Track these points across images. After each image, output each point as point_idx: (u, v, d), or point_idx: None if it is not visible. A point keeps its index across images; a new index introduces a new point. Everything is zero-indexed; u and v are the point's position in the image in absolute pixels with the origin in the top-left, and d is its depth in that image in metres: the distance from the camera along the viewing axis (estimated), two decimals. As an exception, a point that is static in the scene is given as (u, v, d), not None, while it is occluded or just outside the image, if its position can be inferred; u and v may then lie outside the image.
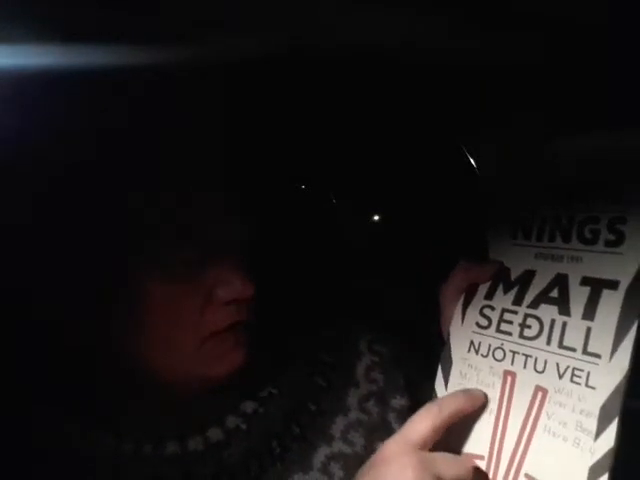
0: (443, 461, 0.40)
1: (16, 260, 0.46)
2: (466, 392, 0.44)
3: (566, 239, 0.42)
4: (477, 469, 0.42)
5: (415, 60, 0.51)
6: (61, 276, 0.46)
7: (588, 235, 0.41)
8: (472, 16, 0.41)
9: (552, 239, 0.43)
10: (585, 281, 0.40)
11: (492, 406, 0.43)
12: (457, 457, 0.42)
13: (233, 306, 0.47)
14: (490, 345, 0.44)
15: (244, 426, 0.51)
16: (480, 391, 0.44)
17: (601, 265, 0.40)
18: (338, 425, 0.53)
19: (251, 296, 0.47)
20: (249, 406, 0.52)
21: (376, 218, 0.94)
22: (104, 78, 0.41)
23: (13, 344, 0.48)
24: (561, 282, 0.42)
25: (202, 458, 0.49)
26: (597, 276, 0.40)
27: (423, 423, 0.41)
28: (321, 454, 0.51)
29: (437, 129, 0.76)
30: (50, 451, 0.47)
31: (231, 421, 0.51)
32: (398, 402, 0.56)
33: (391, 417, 0.55)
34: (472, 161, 0.73)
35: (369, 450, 0.52)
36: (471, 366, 0.45)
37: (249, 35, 0.43)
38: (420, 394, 0.58)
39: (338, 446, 0.52)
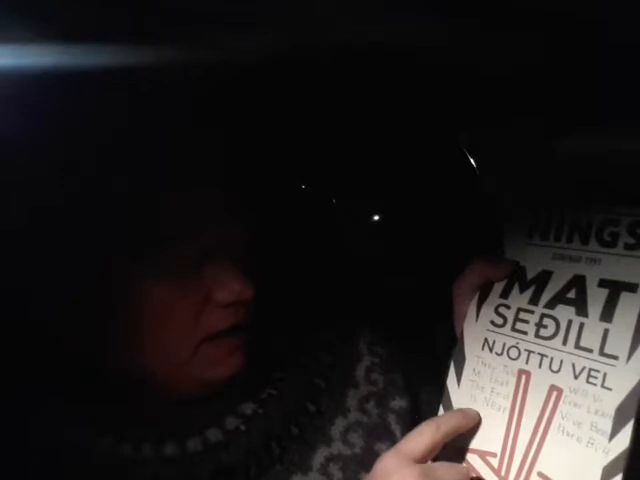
0: (443, 471, 0.41)
1: (14, 262, 0.45)
2: (462, 412, 0.45)
3: (584, 241, 0.42)
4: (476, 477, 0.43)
5: (415, 60, 0.51)
6: (60, 277, 0.45)
7: (607, 237, 0.41)
8: (472, 15, 0.41)
9: (570, 240, 0.43)
10: (603, 283, 0.41)
11: (505, 404, 0.43)
12: (456, 465, 0.43)
13: (231, 308, 0.47)
14: (505, 344, 0.45)
15: (243, 427, 0.51)
16: (474, 411, 0.44)
17: (620, 268, 0.40)
18: (337, 426, 0.53)
19: (250, 299, 0.47)
20: (248, 407, 0.52)
21: (376, 218, 0.94)
22: (104, 78, 0.41)
23: (11, 345, 0.48)
24: (578, 283, 0.42)
25: (201, 459, 0.49)
26: (616, 279, 0.40)
27: (422, 439, 0.42)
28: (320, 455, 0.51)
29: (437, 129, 0.76)
30: (49, 452, 0.47)
31: (230, 422, 0.51)
32: (398, 403, 0.56)
33: (391, 418, 0.55)
34: (472, 161, 0.73)
35: (368, 451, 0.52)
36: (485, 364, 0.45)
37: (249, 35, 0.43)
38: (420, 396, 0.57)
39: (337, 447, 0.52)
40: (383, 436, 0.53)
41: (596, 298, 0.40)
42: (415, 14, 0.41)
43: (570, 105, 0.49)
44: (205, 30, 0.42)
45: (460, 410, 0.45)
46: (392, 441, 0.53)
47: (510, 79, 0.52)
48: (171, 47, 0.42)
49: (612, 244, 0.41)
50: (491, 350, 0.45)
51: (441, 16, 0.41)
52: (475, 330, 0.47)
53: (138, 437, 0.49)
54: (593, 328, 0.40)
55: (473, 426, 0.44)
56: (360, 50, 0.47)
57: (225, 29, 0.42)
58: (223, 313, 0.47)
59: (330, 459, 0.51)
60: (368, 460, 0.51)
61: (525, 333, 0.44)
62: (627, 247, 0.40)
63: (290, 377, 0.55)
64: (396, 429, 0.54)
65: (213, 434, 0.50)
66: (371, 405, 0.55)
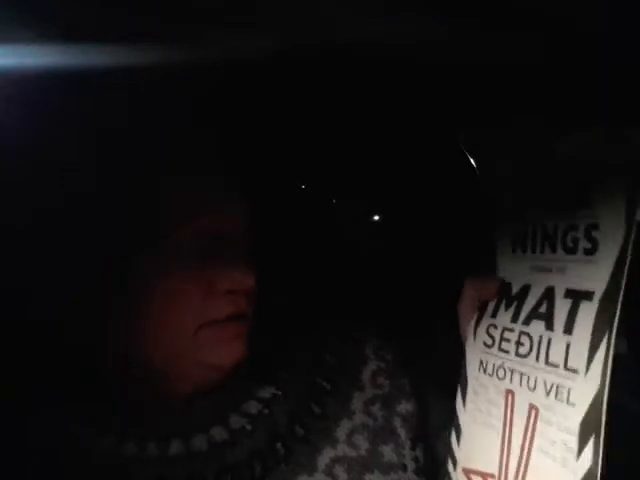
0: None
1: (17, 256, 0.46)
2: None
3: (553, 249, 0.41)
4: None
5: (415, 60, 0.51)
6: (62, 270, 0.46)
7: (570, 244, 0.39)
8: (471, 15, 0.41)
9: (542, 250, 0.42)
10: (568, 293, 0.39)
11: (498, 425, 0.42)
12: None
13: (233, 297, 0.47)
14: (494, 364, 0.44)
15: (249, 427, 0.51)
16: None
17: (581, 275, 0.38)
18: (343, 428, 0.53)
19: (251, 288, 0.47)
20: (254, 407, 0.52)
21: (376, 218, 0.95)
22: (104, 78, 0.41)
23: (13, 345, 0.48)
24: (549, 296, 0.40)
25: (206, 458, 0.49)
26: (577, 287, 0.38)
27: None
28: (326, 456, 0.51)
29: (437, 129, 0.76)
30: (54, 452, 0.47)
31: (235, 421, 0.51)
32: (404, 407, 0.55)
33: (396, 422, 0.55)
34: (472, 161, 0.73)
35: (373, 453, 0.52)
36: (481, 385, 0.44)
37: (249, 35, 0.43)
38: (427, 400, 0.57)
39: (343, 449, 0.52)
40: (388, 439, 0.53)
41: (561, 310, 0.39)
42: (415, 14, 0.41)
43: (560, 105, 0.49)
44: (205, 30, 0.42)
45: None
46: (397, 444, 0.53)
47: (508, 79, 0.52)
48: (171, 47, 0.42)
49: (574, 250, 0.39)
50: (485, 371, 0.44)
51: (441, 16, 0.41)
52: (473, 351, 0.46)
53: (142, 436, 0.49)
54: (558, 342, 0.38)
55: (474, 446, 0.43)
56: (361, 50, 0.47)
57: (225, 29, 0.42)
58: (225, 301, 0.47)
59: (335, 460, 0.51)
60: (373, 462, 0.52)
61: (508, 352, 0.43)
62: (586, 252, 0.38)
63: (295, 378, 0.55)
64: (401, 432, 0.54)
65: (218, 433, 0.50)
66: (376, 408, 0.55)
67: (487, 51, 0.47)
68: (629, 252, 0.35)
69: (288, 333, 0.58)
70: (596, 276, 0.36)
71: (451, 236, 0.83)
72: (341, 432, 0.52)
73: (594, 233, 0.37)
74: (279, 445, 0.51)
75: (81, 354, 0.48)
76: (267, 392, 0.53)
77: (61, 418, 0.49)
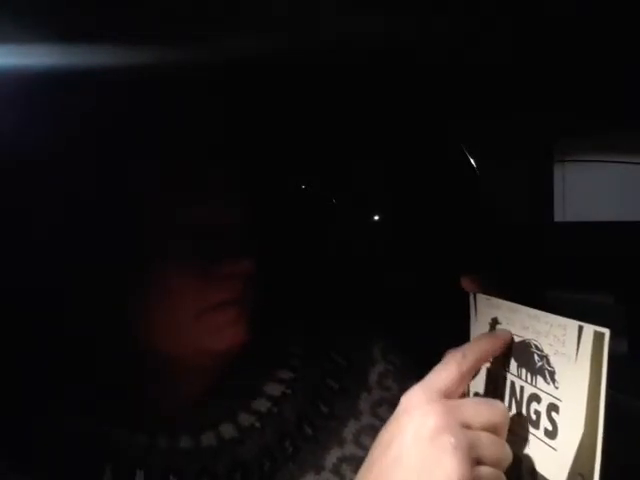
0: (471, 407, 0.37)
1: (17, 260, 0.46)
2: (491, 335, 0.41)
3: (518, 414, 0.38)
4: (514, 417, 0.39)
5: (415, 61, 0.51)
6: (65, 265, 0.47)
7: (533, 416, 0.37)
8: (471, 16, 0.41)
9: (509, 404, 0.40)
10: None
11: None
12: (488, 400, 0.39)
13: (228, 282, 0.48)
14: None
15: (258, 424, 0.52)
16: (507, 331, 0.40)
17: (544, 459, 0.35)
18: (350, 428, 0.53)
19: (244, 272, 0.48)
20: (263, 405, 0.53)
21: (376, 218, 0.95)
22: (104, 78, 0.42)
23: (23, 342, 0.48)
24: None
25: (216, 453, 0.49)
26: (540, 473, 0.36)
27: (447, 370, 0.38)
28: (333, 456, 0.52)
29: (437, 129, 0.76)
30: (64, 445, 0.47)
31: (244, 419, 0.52)
32: None
33: None
34: (472, 161, 0.73)
35: None
36: None
37: (250, 35, 0.43)
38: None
39: (350, 449, 0.52)
40: None
41: None
42: (415, 14, 0.41)
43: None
44: (205, 30, 0.42)
45: (488, 334, 0.42)
46: None
47: (508, 78, 0.52)
48: (171, 47, 0.42)
49: (536, 425, 0.36)
50: None
51: (441, 16, 0.41)
52: None
53: (153, 430, 0.49)
54: None
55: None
56: (361, 51, 0.47)
57: (226, 29, 0.42)
58: (219, 286, 0.47)
59: (343, 460, 0.51)
60: None
61: None
62: (546, 434, 0.34)
63: (304, 377, 0.56)
64: None
65: (226, 430, 0.51)
66: (383, 410, 0.55)
67: (487, 51, 0.47)
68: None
69: (297, 334, 0.59)
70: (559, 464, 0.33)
71: (452, 235, 0.83)
72: (348, 432, 0.53)
73: (555, 415, 0.34)
74: (287, 443, 0.51)
75: (91, 346, 0.49)
76: (277, 390, 0.54)
77: (77, 412, 0.49)
